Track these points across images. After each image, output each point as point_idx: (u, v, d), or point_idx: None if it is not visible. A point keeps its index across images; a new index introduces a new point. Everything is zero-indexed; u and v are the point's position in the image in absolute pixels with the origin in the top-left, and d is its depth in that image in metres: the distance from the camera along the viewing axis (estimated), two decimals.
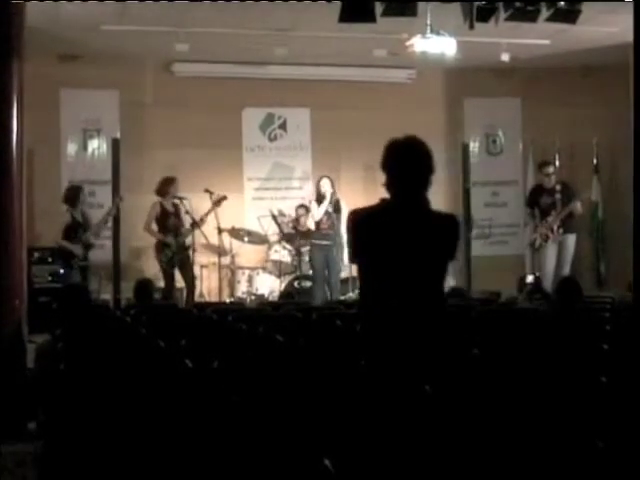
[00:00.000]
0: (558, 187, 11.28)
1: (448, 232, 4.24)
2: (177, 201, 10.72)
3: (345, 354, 4.36)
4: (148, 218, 10.71)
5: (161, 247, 10.62)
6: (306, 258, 11.10)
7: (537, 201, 11.41)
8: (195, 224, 10.68)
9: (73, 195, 10.34)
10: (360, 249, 4.25)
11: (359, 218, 4.35)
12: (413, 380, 3.79)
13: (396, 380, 3.83)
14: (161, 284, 10.84)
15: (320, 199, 10.45)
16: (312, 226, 10.70)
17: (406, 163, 4.21)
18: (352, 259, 4.47)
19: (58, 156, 11.67)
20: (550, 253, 11.20)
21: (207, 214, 10.76)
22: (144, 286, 7.86)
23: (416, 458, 2.90)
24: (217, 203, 10.82)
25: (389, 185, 4.20)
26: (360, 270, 4.32)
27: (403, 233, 4.16)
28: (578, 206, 11.25)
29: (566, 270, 11.00)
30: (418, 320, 4.14)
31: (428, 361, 4.03)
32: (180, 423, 3.32)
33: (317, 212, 10.44)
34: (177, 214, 10.71)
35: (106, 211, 10.52)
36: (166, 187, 10.72)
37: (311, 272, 10.72)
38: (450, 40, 9.28)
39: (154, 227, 10.72)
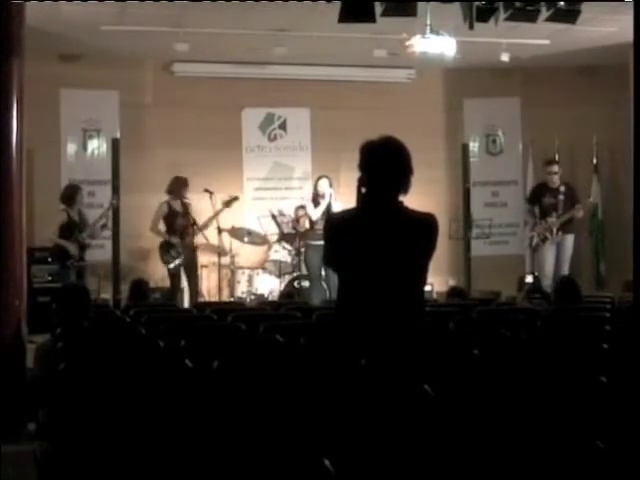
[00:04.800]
0: (562, 188, 11.31)
1: (423, 232, 4.20)
2: (187, 201, 10.76)
3: (345, 354, 4.35)
4: (155, 218, 10.74)
5: (166, 247, 10.64)
6: None
7: (539, 199, 11.43)
8: (195, 224, 10.69)
9: (70, 194, 10.34)
10: (335, 253, 4.24)
11: (333, 222, 4.37)
12: (395, 378, 3.79)
13: (378, 378, 3.83)
14: (159, 284, 10.86)
15: (317, 199, 10.42)
16: (308, 226, 10.69)
17: (379, 164, 4.18)
18: (326, 263, 4.47)
19: (58, 156, 11.66)
20: (549, 253, 11.22)
21: (216, 215, 10.77)
22: (139, 286, 7.90)
23: (416, 458, 2.90)
24: (228, 204, 10.85)
25: (365, 186, 4.18)
26: (337, 274, 4.33)
27: (376, 235, 4.14)
28: (581, 212, 11.30)
29: (565, 270, 11.02)
30: (394, 321, 4.13)
31: (405, 360, 4.03)
32: (180, 423, 3.32)
33: (314, 212, 10.41)
34: (185, 214, 10.73)
35: (100, 213, 10.53)
36: (178, 187, 10.74)
37: (305, 271, 10.71)
38: (450, 40, 9.28)
39: (162, 227, 10.74)
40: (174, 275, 10.64)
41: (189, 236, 10.68)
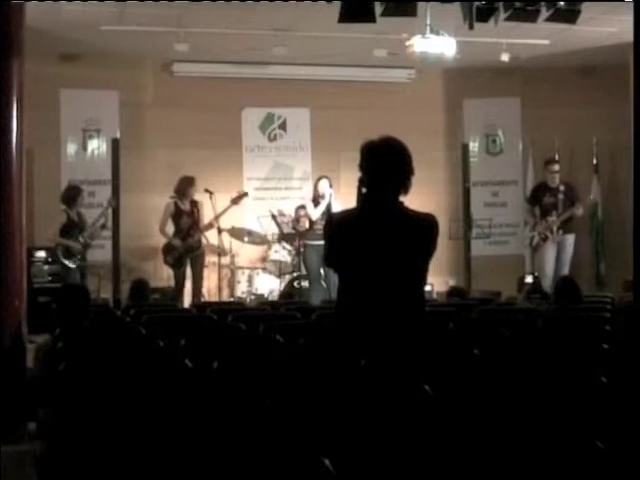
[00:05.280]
0: (562, 187, 11.32)
1: (424, 232, 4.21)
2: (197, 199, 10.78)
3: (345, 354, 4.35)
4: (163, 218, 10.80)
5: (168, 249, 10.68)
6: None
7: (539, 199, 11.44)
8: (195, 225, 10.70)
9: (71, 196, 10.36)
10: (335, 253, 4.24)
11: (334, 222, 4.37)
12: (396, 379, 3.79)
13: (378, 379, 3.83)
14: (159, 284, 10.86)
15: (317, 200, 10.43)
16: (307, 226, 10.70)
17: (380, 164, 4.18)
18: (327, 263, 4.46)
19: (58, 156, 11.66)
20: (549, 253, 11.22)
21: (224, 212, 10.79)
22: (139, 286, 7.92)
23: (415, 458, 2.90)
24: (236, 200, 10.88)
25: (365, 186, 4.18)
26: (337, 274, 4.34)
27: (376, 235, 4.15)
28: (580, 211, 11.30)
29: (565, 270, 11.02)
30: (395, 321, 4.13)
31: (406, 361, 4.03)
32: (180, 423, 3.32)
33: (314, 212, 10.41)
34: (192, 214, 10.74)
35: (99, 213, 10.54)
36: (186, 186, 10.76)
37: (305, 271, 10.71)
38: (450, 40, 9.28)
39: (170, 227, 10.76)
40: (179, 275, 10.65)
41: (195, 235, 10.69)
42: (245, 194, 11.12)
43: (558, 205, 11.22)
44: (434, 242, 4.23)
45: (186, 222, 10.72)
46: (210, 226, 10.79)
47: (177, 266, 10.65)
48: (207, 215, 10.85)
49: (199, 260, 10.79)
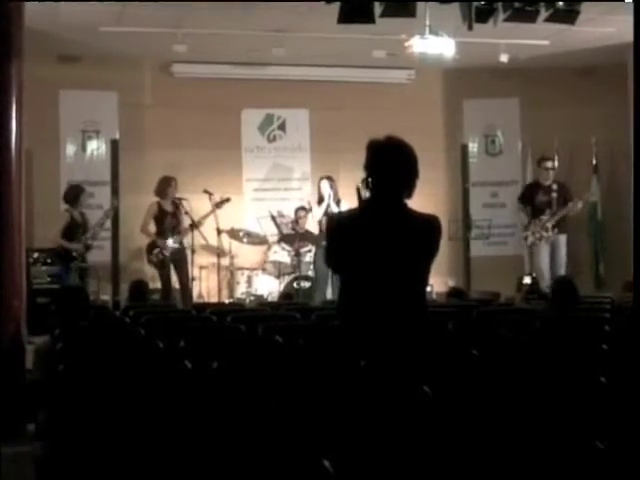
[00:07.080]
0: (555, 186, 11.29)
1: (427, 233, 4.21)
2: (177, 201, 10.75)
3: (346, 355, 4.35)
4: (145, 219, 10.75)
5: (151, 249, 10.64)
6: (305, 259, 11.09)
7: (532, 198, 11.41)
8: (193, 225, 10.70)
9: (74, 195, 10.33)
10: (336, 253, 4.22)
11: (337, 222, 4.35)
12: (398, 380, 3.79)
13: (379, 380, 3.82)
14: (157, 285, 10.85)
15: (321, 201, 10.46)
16: (315, 228, 10.69)
17: (386, 164, 4.17)
18: (327, 263, 4.43)
19: (57, 157, 11.66)
20: (544, 253, 11.19)
21: (207, 215, 10.79)
22: (138, 287, 7.92)
23: (414, 459, 2.90)
24: (218, 205, 10.86)
25: (369, 186, 4.17)
26: (339, 275, 4.32)
27: (380, 235, 4.14)
28: (579, 206, 11.26)
29: (561, 271, 11.00)
30: (397, 323, 4.12)
31: (408, 362, 4.02)
32: (179, 424, 3.32)
33: (317, 213, 10.43)
34: (175, 214, 10.73)
35: (102, 214, 10.54)
36: (164, 187, 10.74)
37: (313, 273, 10.69)
38: (449, 41, 9.28)
39: (152, 228, 10.73)
40: (163, 275, 10.64)
41: (177, 235, 10.68)
42: (227, 200, 11.00)
43: (552, 203, 11.20)
44: (437, 243, 4.23)
45: (170, 222, 10.70)
46: (195, 226, 10.74)
47: (161, 266, 10.63)
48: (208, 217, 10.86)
49: (183, 261, 10.76)
